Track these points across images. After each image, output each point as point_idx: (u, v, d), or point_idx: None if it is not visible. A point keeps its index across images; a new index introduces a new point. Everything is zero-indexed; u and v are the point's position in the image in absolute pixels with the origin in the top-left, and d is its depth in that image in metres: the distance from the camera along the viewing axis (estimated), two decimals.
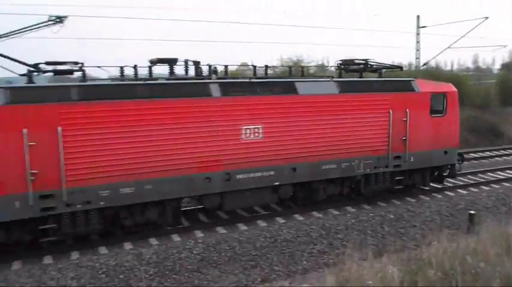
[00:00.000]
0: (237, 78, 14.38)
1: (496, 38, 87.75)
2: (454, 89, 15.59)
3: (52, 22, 11.12)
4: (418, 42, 33.14)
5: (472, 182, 17.21)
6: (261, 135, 12.13)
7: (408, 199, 15.05)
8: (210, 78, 12.14)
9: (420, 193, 15.55)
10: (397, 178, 14.64)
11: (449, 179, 16.48)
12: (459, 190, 16.12)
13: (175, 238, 11.60)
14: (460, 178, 17.06)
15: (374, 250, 9.78)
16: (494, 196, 15.57)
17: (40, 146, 9.59)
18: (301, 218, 13.17)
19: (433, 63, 33.67)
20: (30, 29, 11.03)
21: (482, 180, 17.47)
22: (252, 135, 12.02)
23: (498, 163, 21.28)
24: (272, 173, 12.43)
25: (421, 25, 32.82)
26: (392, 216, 13.48)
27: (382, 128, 13.93)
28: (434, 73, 32.64)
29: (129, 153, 10.54)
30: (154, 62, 11.87)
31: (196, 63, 12.17)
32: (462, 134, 24.92)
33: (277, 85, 12.79)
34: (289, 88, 12.73)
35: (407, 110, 14.17)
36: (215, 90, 11.62)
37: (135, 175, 10.63)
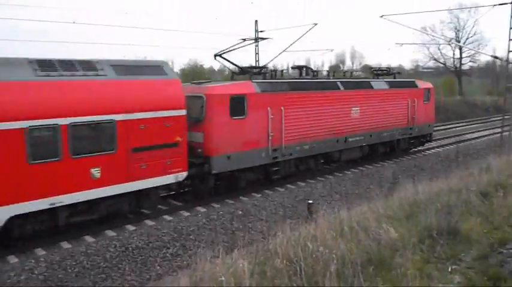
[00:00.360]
0: (345, 78, 21.25)
1: (324, 43, 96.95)
2: (432, 86, 24.81)
3: None
4: (257, 45, 34.97)
5: (309, 174, 18.80)
6: (358, 114, 19.65)
7: (254, 194, 15.84)
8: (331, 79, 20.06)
9: (264, 188, 16.48)
10: (411, 141, 23.38)
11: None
12: (299, 182, 17.47)
13: (12, 259, 10.45)
14: (297, 172, 18.49)
15: (225, 247, 10.08)
16: (328, 185, 17.24)
17: (274, 118, 15.87)
18: (151, 223, 12.95)
19: (271, 66, 35.80)
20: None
21: (317, 172, 19.16)
22: (355, 114, 19.49)
23: None
24: (362, 138, 20.03)
25: (259, 29, 34.73)
26: (240, 212, 14.04)
27: (404, 111, 22.28)
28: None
29: (308, 124, 17.33)
30: (297, 67, 20.23)
31: (309, 69, 20.41)
32: None
33: (365, 83, 20.84)
34: (370, 85, 20.74)
35: (414, 99, 22.79)
36: (341, 86, 19.08)
37: (310, 138, 17.40)
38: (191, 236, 12.29)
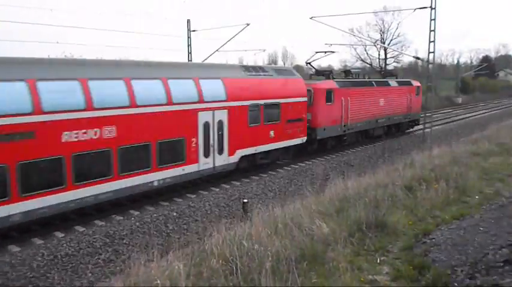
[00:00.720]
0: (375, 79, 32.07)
1: (256, 43, 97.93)
2: (420, 84, 34.03)
3: None
4: (189, 45, 34.62)
5: (242, 174, 18.92)
6: (383, 104, 28.09)
7: (189, 195, 15.72)
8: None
9: (200, 189, 16.40)
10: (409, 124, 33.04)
11: (231, 173, 17.82)
12: (233, 182, 17.54)
13: None
14: (233, 171, 18.56)
15: (160, 250, 9.92)
16: (262, 184, 17.45)
17: (344, 105, 23.88)
18: (82, 229, 12.47)
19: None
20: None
21: (251, 171, 19.31)
22: (381, 104, 27.89)
23: None
24: (384, 120, 28.66)
25: (192, 29, 34.38)
26: (175, 213, 13.87)
27: (405, 102, 31.13)
28: None
29: (361, 110, 25.66)
30: (343, 72, 29.40)
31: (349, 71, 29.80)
32: None
33: (386, 82, 30.19)
34: (388, 83, 29.98)
35: (411, 93, 32.02)
36: (375, 84, 28.07)
37: (361, 119, 25.74)
38: (124, 241, 11.97)
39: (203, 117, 15.70)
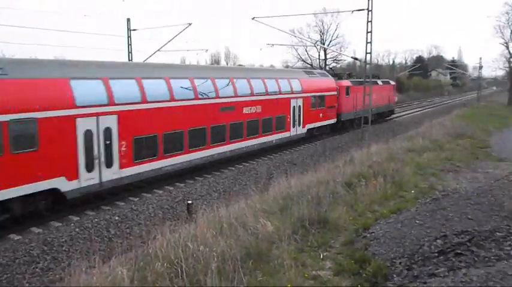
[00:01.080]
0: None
1: (199, 43, 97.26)
2: (394, 83, 46.92)
3: None
4: (129, 45, 33.83)
5: (188, 174, 18.74)
6: (375, 97, 34.20)
7: (131, 198, 15.37)
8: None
9: (143, 191, 16.08)
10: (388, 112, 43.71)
11: (171, 176, 17.57)
12: (177, 183, 17.34)
13: None
14: (176, 172, 18.34)
15: (102, 256, 9.64)
16: (207, 184, 17.37)
17: (354, 98, 33.27)
18: (18, 237, 11.87)
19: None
20: None
21: (196, 171, 19.17)
22: (374, 97, 33.82)
23: None
24: (376, 109, 36.88)
25: (132, 28, 33.61)
26: (117, 218, 13.52)
27: (387, 96, 41.71)
28: None
29: (362, 101, 31.32)
30: (348, 74, 40.29)
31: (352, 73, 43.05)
32: None
33: (377, 82, 38.99)
34: (377, 83, 38.88)
35: (390, 90, 42.92)
36: (378, 83, 40.09)
37: (363, 108, 30.86)
38: (64, 248, 11.51)
39: (292, 102, 25.22)
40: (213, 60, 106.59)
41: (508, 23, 58.05)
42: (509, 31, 58.50)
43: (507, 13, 57.77)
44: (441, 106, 63.81)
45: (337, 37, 70.45)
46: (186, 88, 17.61)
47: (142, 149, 15.36)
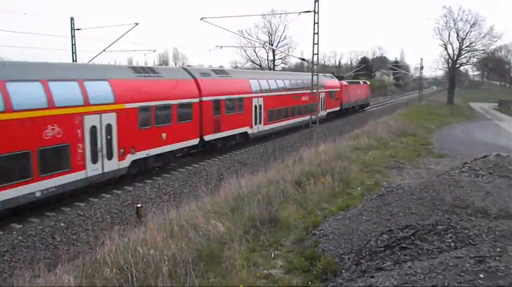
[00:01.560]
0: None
1: (147, 43, 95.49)
2: (369, 83, 63.64)
3: None
4: (73, 45, 32.74)
5: (137, 178, 18.37)
6: (359, 93, 54.18)
7: (78, 203, 14.89)
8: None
9: (90, 196, 15.61)
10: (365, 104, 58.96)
11: (122, 178, 17.16)
12: (126, 187, 16.96)
13: None
14: (124, 176, 17.95)
15: (47, 264, 9.29)
16: (157, 187, 17.11)
17: (348, 93, 48.91)
18: None
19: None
20: None
21: (145, 174, 18.84)
22: (358, 93, 53.88)
23: None
24: (359, 101, 54.24)
25: (76, 27, 32.54)
26: (63, 224, 13.06)
27: (365, 93, 57.55)
28: None
29: (353, 96, 50.80)
30: (338, 77, 50.30)
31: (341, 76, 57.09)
32: None
33: (359, 82, 58.24)
34: (359, 83, 57.25)
35: (367, 88, 58.46)
36: (354, 82, 55.48)
37: (353, 101, 50.98)
38: (5, 257, 10.98)
39: (321, 95, 35.84)
40: (161, 61, 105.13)
41: (447, 26, 61.08)
42: (448, 33, 61.56)
43: (445, 16, 60.81)
44: (385, 105, 66.03)
45: (285, 38, 71.48)
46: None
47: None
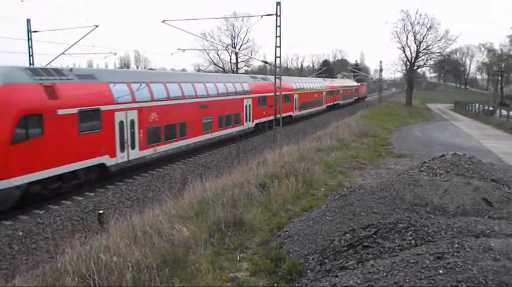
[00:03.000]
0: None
1: (107, 46, 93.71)
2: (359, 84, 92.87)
3: None
4: (30, 47, 31.78)
5: (98, 182, 17.98)
6: (361, 90, 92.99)
7: (36, 211, 14.43)
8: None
9: (49, 203, 15.16)
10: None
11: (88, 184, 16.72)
12: (87, 193, 16.56)
13: None
14: (86, 182, 17.52)
15: (5, 275, 8.97)
16: (119, 192, 16.79)
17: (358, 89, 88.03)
18: None
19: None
20: None
21: (107, 179, 18.46)
22: (364, 90, 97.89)
23: None
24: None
25: (32, 29, 31.59)
26: (21, 233, 12.64)
27: (365, 91, 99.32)
28: None
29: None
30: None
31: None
32: None
33: (358, 83, 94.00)
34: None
35: (364, 88, 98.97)
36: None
37: (362, 94, 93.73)
38: None
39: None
40: (123, 64, 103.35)
41: (404, 29, 62.78)
42: (405, 36, 63.30)
43: (403, 19, 62.47)
44: (346, 107, 67.20)
45: (248, 41, 71.66)
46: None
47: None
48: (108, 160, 17.51)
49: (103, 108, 17.15)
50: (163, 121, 21.14)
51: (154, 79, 21.65)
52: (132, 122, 18.97)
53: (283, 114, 32.56)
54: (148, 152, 20.12)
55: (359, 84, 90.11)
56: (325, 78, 67.79)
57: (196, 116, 24.31)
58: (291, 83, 42.98)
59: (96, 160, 16.83)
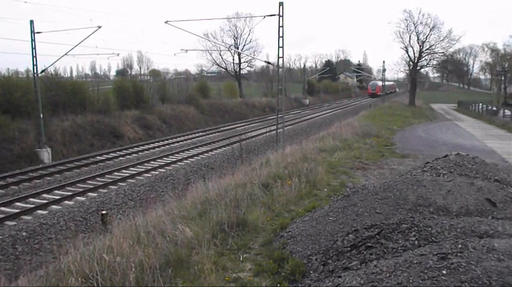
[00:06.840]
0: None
1: (110, 47, 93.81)
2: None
3: None
4: (33, 48, 31.81)
5: (101, 183, 18.03)
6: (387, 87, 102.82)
7: (40, 212, 14.48)
8: None
9: (53, 204, 15.20)
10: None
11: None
12: (90, 194, 16.61)
13: None
14: (89, 181, 17.58)
15: (8, 275, 8.99)
16: (122, 193, 16.82)
17: (391, 87, 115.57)
18: None
19: (51, 70, 33.18)
20: None
21: (109, 180, 18.52)
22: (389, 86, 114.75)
23: (122, 162, 23.03)
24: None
25: (36, 31, 31.64)
26: (25, 233, 12.68)
27: (392, 87, 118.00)
28: (53, 80, 32.26)
29: None
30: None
31: None
32: (87, 139, 25.62)
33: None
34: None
35: (392, 85, 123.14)
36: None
37: (390, 90, 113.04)
38: None
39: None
40: (125, 65, 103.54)
41: (407, 29, 62.64)
42: (408, 36, 63.18)
43: (406, 20, 62.34)
44: (349, 107, 67.13)
45: (250, 42, 71.59)
46: None
47: None
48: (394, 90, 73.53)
49: None
50: None
51: None
52: None
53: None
54: None
55: (392, 83, 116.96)
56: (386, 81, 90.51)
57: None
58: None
59: (393, 90, 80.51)
